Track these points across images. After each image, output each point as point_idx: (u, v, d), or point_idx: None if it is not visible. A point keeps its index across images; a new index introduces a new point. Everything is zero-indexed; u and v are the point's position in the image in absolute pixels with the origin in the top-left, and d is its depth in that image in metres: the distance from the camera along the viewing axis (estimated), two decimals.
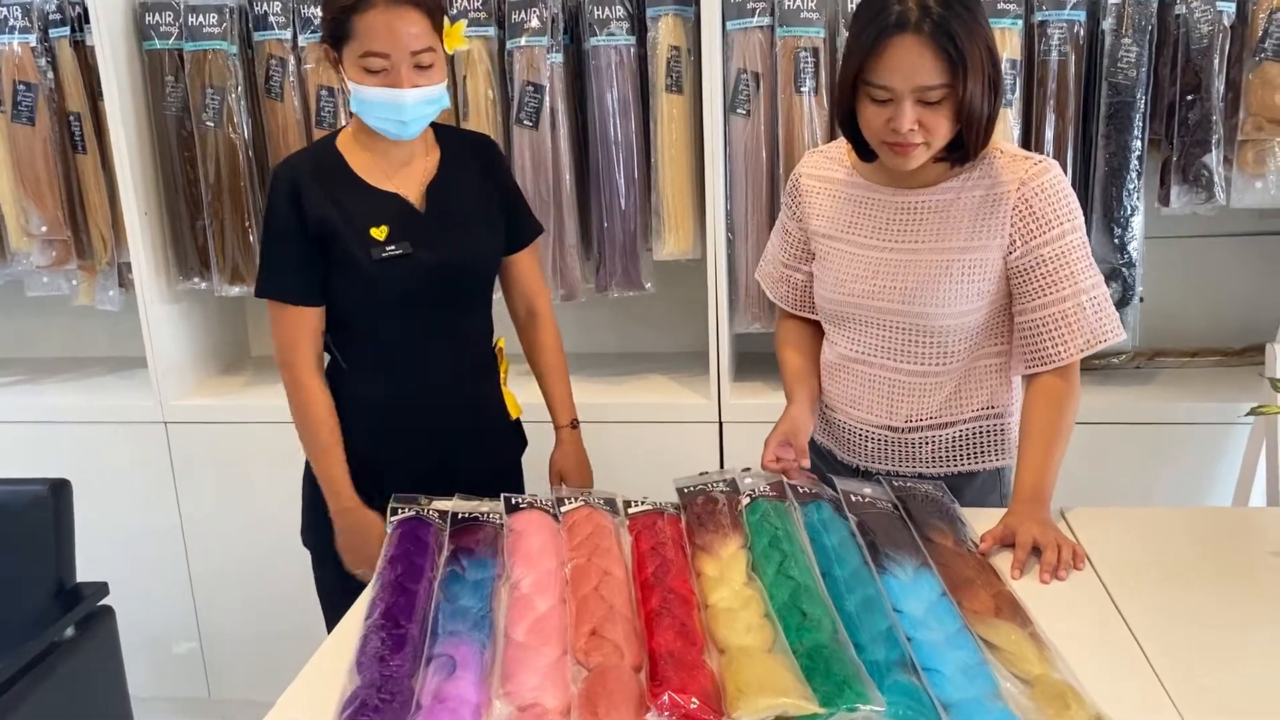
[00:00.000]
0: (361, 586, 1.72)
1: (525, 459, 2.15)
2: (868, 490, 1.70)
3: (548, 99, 2.45)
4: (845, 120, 1.65)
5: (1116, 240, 2.32)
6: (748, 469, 1.80)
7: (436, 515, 1.67)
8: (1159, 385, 2.52)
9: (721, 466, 1.84)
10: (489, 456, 2.04)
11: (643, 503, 1.70)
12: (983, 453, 1.78)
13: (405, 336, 1.91)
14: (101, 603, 2.14)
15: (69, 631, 2.05)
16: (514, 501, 1.71)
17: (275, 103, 2.57)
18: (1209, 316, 2.66)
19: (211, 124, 2.59)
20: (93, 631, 2.09)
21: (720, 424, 2.53)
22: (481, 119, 2.50)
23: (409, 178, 1.89)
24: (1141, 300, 2.38)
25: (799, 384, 1.84)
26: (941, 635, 1.30)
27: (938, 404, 1.74)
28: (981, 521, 1.61)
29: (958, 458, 1.78)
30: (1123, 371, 2.57)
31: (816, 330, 1.91)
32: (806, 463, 1.74)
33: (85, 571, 2.19)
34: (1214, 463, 2.40)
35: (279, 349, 1.89)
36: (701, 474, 1.79)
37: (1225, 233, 2.59)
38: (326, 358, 1.96)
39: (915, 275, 1.68)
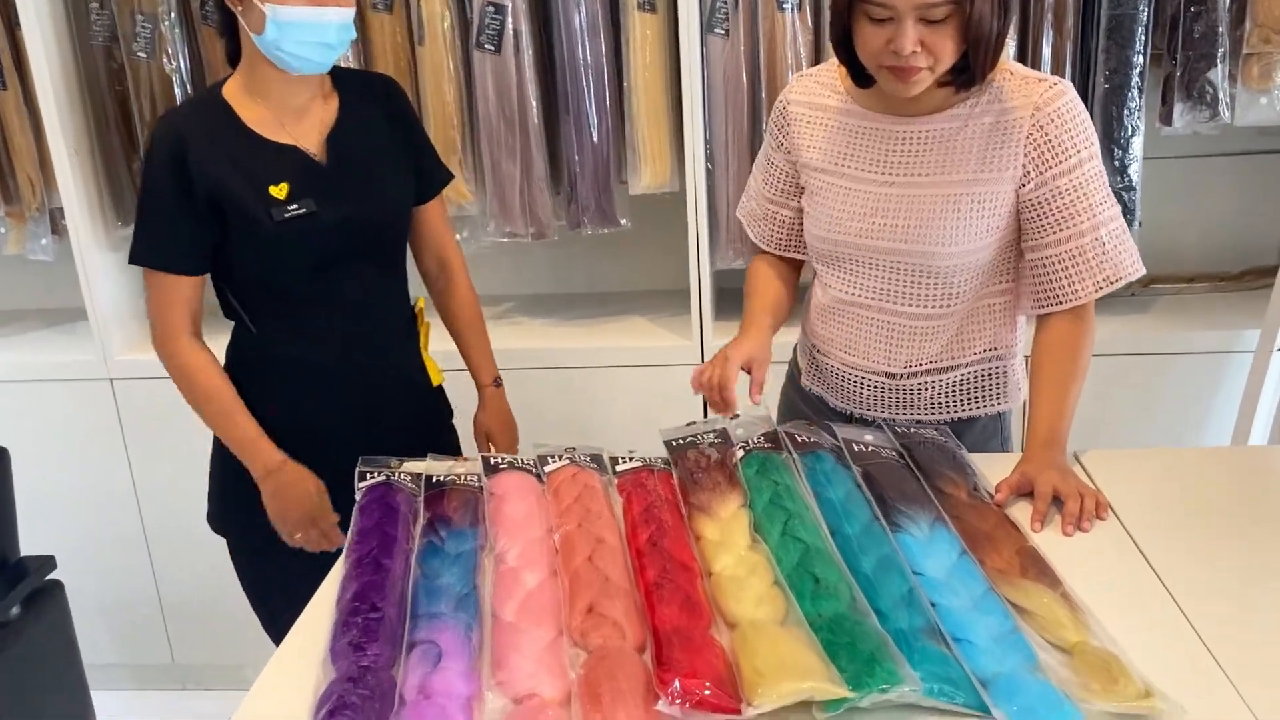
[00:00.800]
0: (294, 571, 1.63)
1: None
2: (869, 437, 1.59)
3: (510, 20, 2.27)
4: (840, 42, 1.50)
5: (1116, 163, 2.20)
6: (736, 415, 1.68)
7: (409, 480, 1.54)
8: (1156, 314, 2.44)
9: (706, 414, 1.74)
10: (414, 422, 1.90)
11: (630, 458, 1.58)
12: (984, 397, 1.68)
13: (316, 298, 1.76)
14: (50, 577, 2.00)
15: (14, 611, 1.91)
16: (493, 462, 1.59)
17: (213, 31, 2.36)
18: (1206, 240, 2.57)
19: (144, 55, 2.38)
20: (40, 609, 1.96)
21: None
22: (439, 45, 2.32)
23: (307, 127, 1.72)
24: (1140, 225, 2.28)
25: (767, 315, 1.69)
26: (968, 599, 1.20)
27: (938, 348, 1.63)
28: (992, 469, 1.52)
29: (958, 403, 1.67)
30: (1117, 300, 2.47)
31: (794, 271, 1.79)
32: (759, 399, 1.59)
33: (31, 543, 2.05)
34: (1213, 394, 2.33)
35: (156, 320, 1.73)
36: (689, 424, 1.67)
37: (1222, 152, 2.48)
38: (231, 324, 1.82)
39: (918, 212, 1.55)
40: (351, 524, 1.45)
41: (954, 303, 1.60)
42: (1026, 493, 1.45)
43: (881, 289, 1.61)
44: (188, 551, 2.68)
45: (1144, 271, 1.55)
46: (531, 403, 2.12)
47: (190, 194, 1.65)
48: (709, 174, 2.32)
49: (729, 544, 1.33)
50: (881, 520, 1.36)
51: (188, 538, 2.68)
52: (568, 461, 1.56)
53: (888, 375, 1.66)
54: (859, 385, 1.70)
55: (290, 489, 1.73)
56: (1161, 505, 1.45)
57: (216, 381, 1.73)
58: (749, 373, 1.58)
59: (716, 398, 1.54)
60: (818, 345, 1.74)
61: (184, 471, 2.65)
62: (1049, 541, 1.35)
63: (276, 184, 1.67)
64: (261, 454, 1.73)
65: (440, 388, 1.96)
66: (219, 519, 1.90)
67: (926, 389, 1.66)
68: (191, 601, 2.75)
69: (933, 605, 1.19)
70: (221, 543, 2.59)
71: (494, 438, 1.97)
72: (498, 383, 1.99)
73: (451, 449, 1.97)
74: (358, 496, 1.52)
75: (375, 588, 1.27)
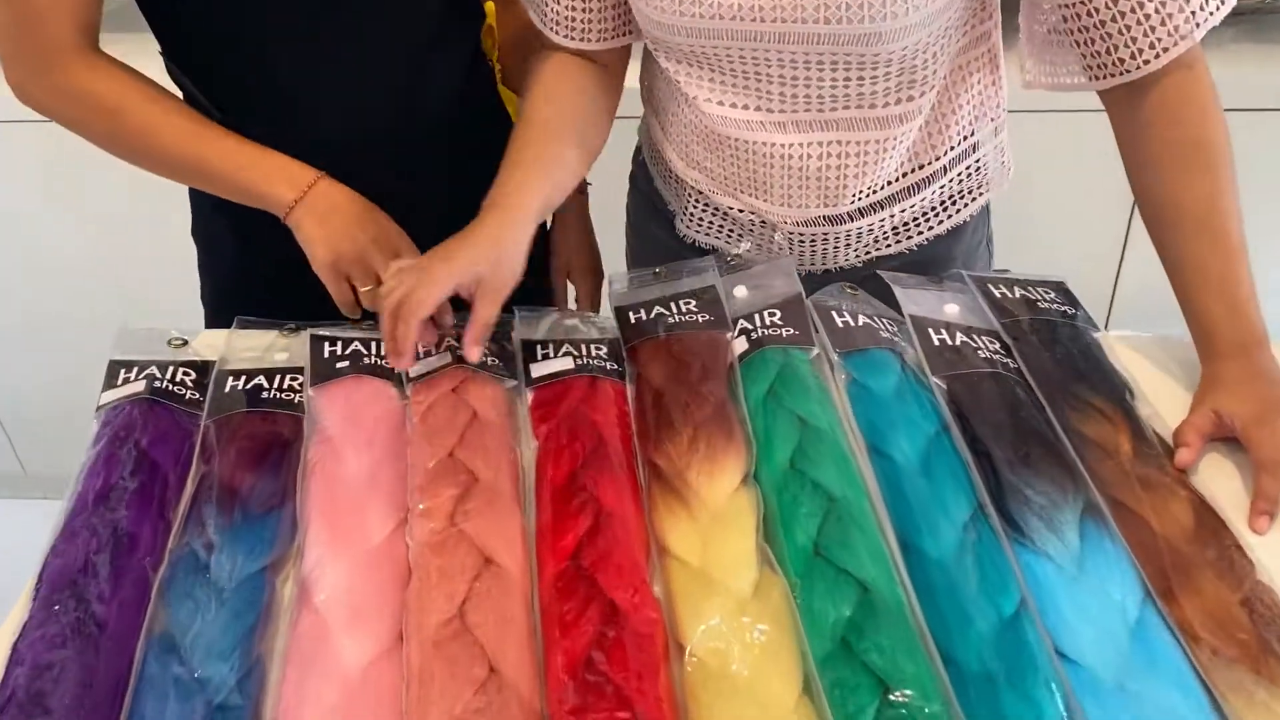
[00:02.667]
0: None
1: None
2: (951, 309, 0.97)
3: None
4: None
5: None
6: (737, 257, 1.04)
7: (188, 381, 0.92)
8: None
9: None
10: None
11: (558, 351, 0.95)
12: (961, 199, 1.04)
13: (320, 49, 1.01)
14: None
15: None
16: (328, 346, 0.95)
17: None
18: None
19: None
20: None
21: None
22: None
23: None
24: None
25: (538, 182, 0.93)
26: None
27: (897, 162, 0.98)
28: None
29: (928, 225, 1.04)
30: (1243, 24, 1.74)
31: (611, 83, 1.04)
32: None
33: None
34: None
35: (14, 38, 0.94)
36: (655, 272, 1.03)
37: None
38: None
39: None
40: (79, 471, 0.84)
41: (920, 93, 0.92)
42: (1217, 437, 0.85)
43: (802, 96, 0.92)
44: (22, 353, 2.09)
45: None
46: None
47: None
48: None
49: (718, 574, 0.73)
50: (992, 517, 0.77)
51: (23, 336, 2.10)
52: (450, 356, 0.93)
53: (827, 220, 1.01)
54: (780, 239, 1.05)
55: (339, 203, 0.97)
56: None
57: (150, 92, 0.97)
58: (467, 304, 0.88)
59: (390, 338, 0.86)
60: (697, 185, 1.06)
61: (9, 251, 2.01)
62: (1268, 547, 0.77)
63: None
64: (277, 179, 0.97)
65: None
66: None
67: (886, 221, 1.02)
68: (35, 408, 2.19)
69: None
70: (65, 346, 2.00)
71: (576, 272, 1.27)
72: (582, 188, 1.25)
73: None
74: (95, 421, 0.90)
75: (52, 669, 0.68)
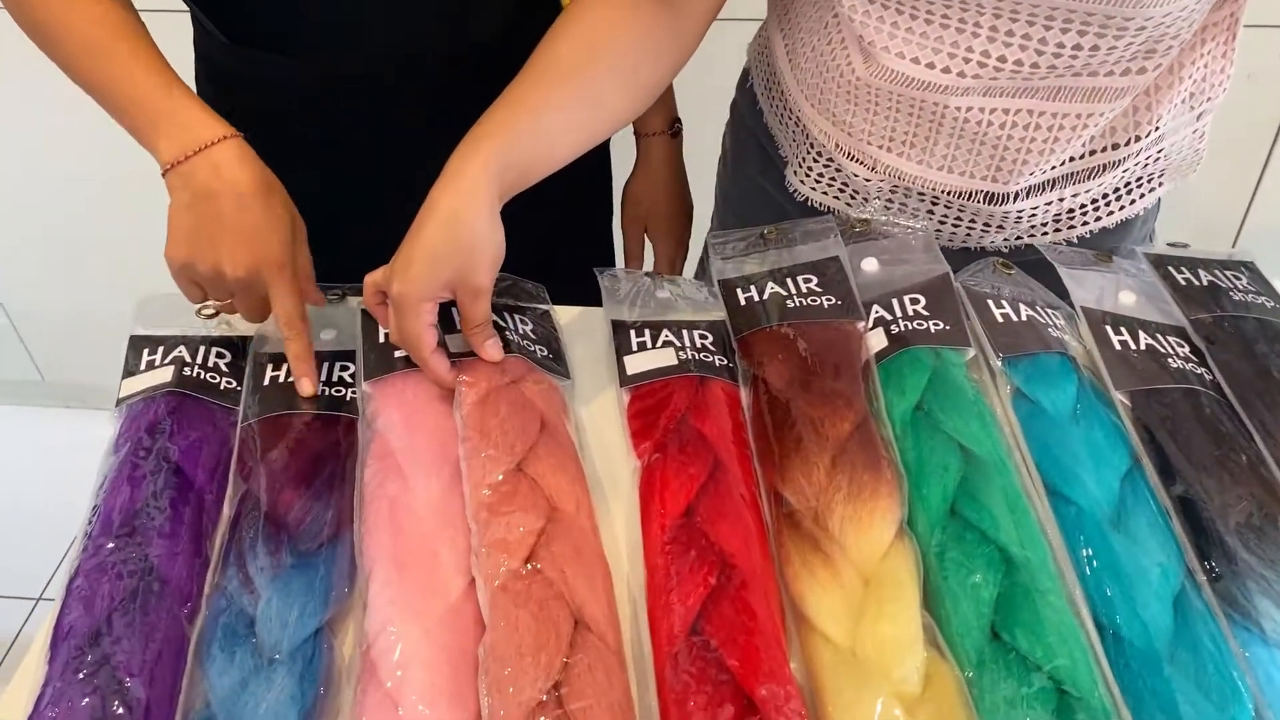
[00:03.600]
0: None
1: None
2: (1128, 299, 0.81)
3: None
4: None
5: None
6: (863, 222, 0.88)
7: (223, 369, 0.77)
8: None
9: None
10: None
11: (656, 339, 0.80)
12: (1143, 184, 0.86)
13: None
14: None
15: None
16: (383, 329, 0.80)
17: None
18: None
19: None
20: None
21: None
22: None
23: None
24: None
25: (512, 123, 0.73)
26: None
27: (1090, 138, 0.79)
28: None
29: (1096, 214, 0.86)
30: None
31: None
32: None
33: None
34: None
35: None
36: (763, 234, 0.87)
37: None
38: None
39: None
40: (90, 504, 0.71)
41: (1152, 66, 0.74)
42: None
43: (1005, 64, 0.73)
44: (36, 256, 1.95)
45: None
46: None
47: None
48: None
49: (875, 658, 0.60)
50: (1204, 588, 0.63)
51: (38, 239, 1.95)
52: (516, 345, 0.78)
53: (983, 197, 0.83)
54: (919, 209, 0.87)
55: (213, 201, 0.75)
56: None
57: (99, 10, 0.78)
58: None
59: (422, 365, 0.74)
60: (826, 139, 0.87)
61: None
62: None
63: None
64: (165, 121, 0.75)
65: None
66: None
67: (1049, 207, 0.84)
68: (47, 315, 2.06)
69: None
70: (84, 251, 1.85)
71: (655, 221, 1.10)
72: (676, 128, 1.07)
73: (598, 236, 1.13)
74: (115, 418, 0.77)
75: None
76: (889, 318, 0.78)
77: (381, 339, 0.80)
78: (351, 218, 0.92)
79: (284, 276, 0.76)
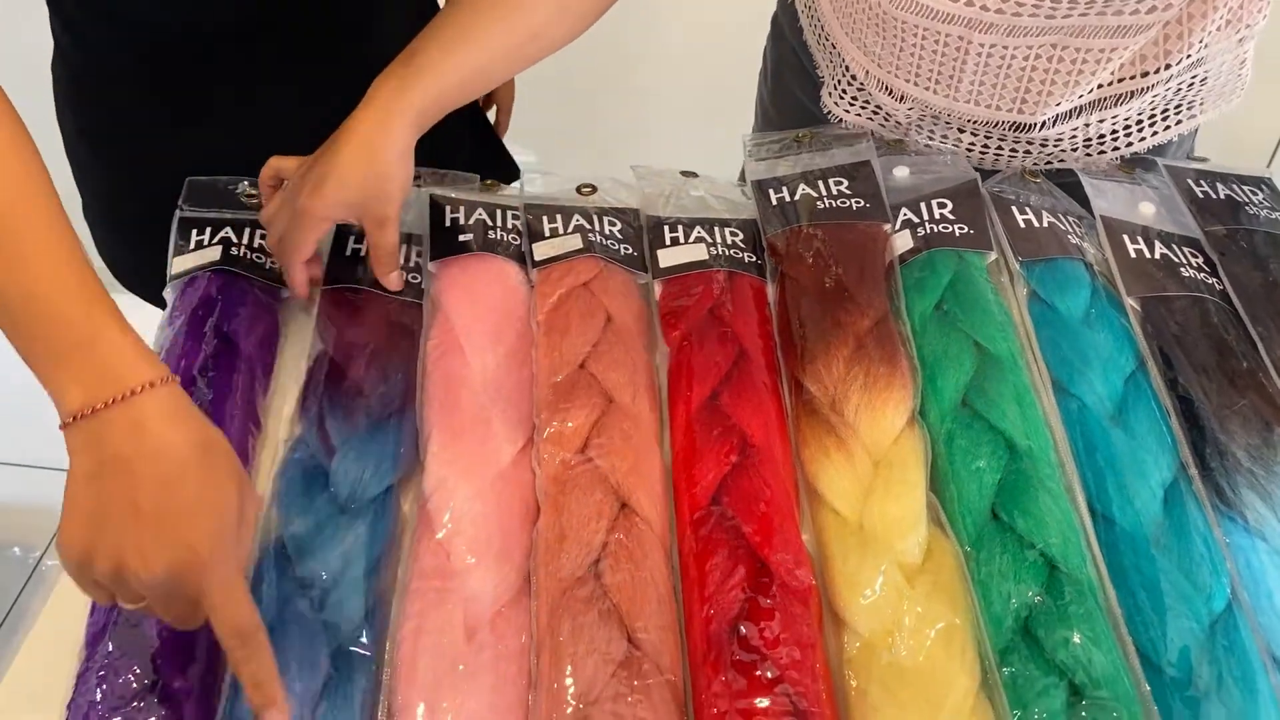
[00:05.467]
0: None
1: None
2: (1148, 209, 0.83)
3: None
4: None
5: None
6: (898, 142, 0.90)
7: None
8: None
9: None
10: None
11: (689, 235, 0.83)
12: (1180, 110, 0.86)
13: None
14: None
15: None
16: (449, 213, 0.84)
17: None
18: None
19: None
20: None
21: None
22: None
23: None
24: None
25: (441, 56, 0.74)
26: None
27: (1118, 66, 0.79)
28: None
29: (1128, 139, 0.86)
30: None
31: None
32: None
33: None
34: None
35: None
36: (797, 137, 0.89)
37: None
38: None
39: None
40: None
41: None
42: None
43: (1025, 4, 0.74)
44: None
45: None
46: None
47: None
48: None
49: (880, 531, 0.64)
50: (1196, 481, 0.67)
51: None
52: (579, 242, 0.82)
53: (1010, 127, 0.84)
54: (949, 135, 0.88)
55: (121, 474, 0.53)
56: None
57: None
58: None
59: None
60: (868, 69, 0.87)
61: None
62: None
63: None
64: (74, 358, 0.54)
65: None
66: None
67: (1075, 134, 0.85)
68: None
69: None
70: None
71: (501, 105, 1.16)
72: None
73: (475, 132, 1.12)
74: (169, 295, 0.81)
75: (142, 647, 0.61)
76: (915, 220, 0.81)
77: (447, 224, 0.83)
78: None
79: (218, 578, 0.53)
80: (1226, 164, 0.89)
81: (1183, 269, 0.78)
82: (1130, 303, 0.76)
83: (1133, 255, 0.78)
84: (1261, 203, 0.84)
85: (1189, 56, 0.79)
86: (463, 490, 0.68)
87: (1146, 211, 0.83)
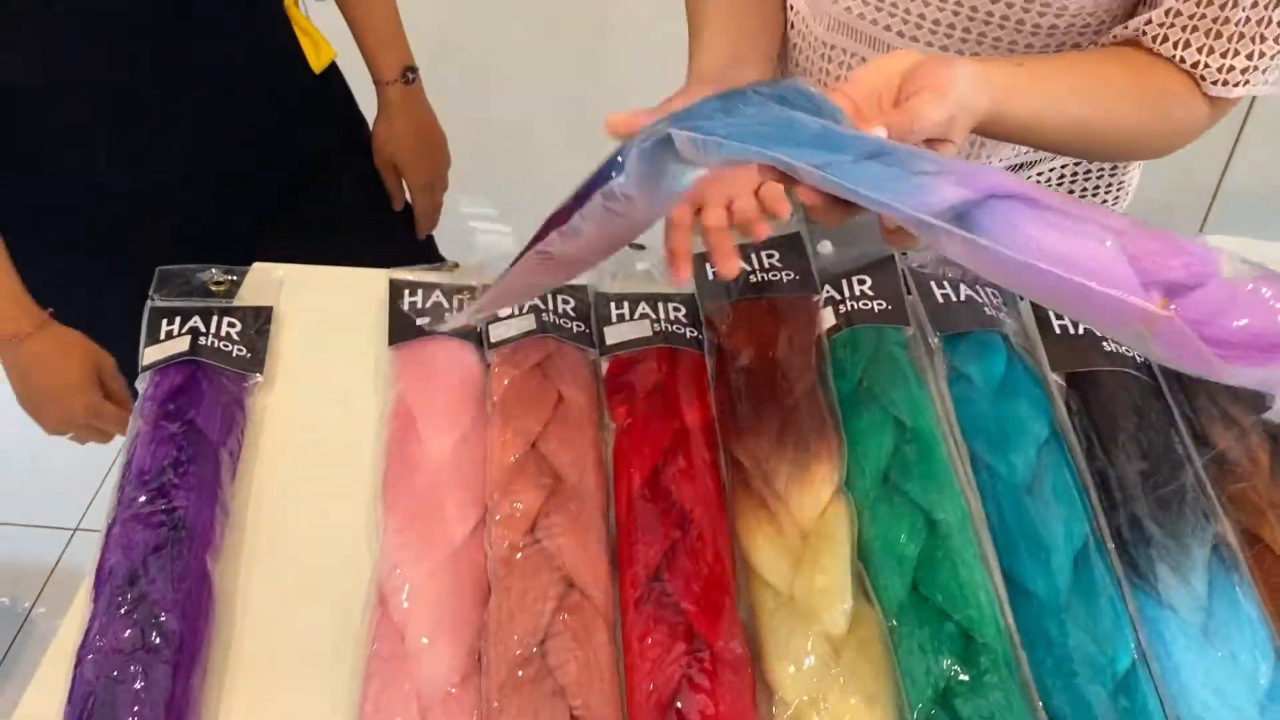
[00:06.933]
0: None
1: None
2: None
3: None
4: None
5: None
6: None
7: (230, 336, 0.86)
8: None
9: None
10: (290, 155, 1.13)
11: (634, 311, 0.88)
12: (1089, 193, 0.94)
13: None
14: None
15: None
16: (407, 296, 0.89)
17: None
18: None
19: None
20: None
21: None
22: None
23: None
24: None
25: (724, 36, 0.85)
26: None
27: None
28: None
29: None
30: None
31: None
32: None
33: None
34: None
35: None
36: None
37: None
38: None
39: None
40: (121, 461, 0.80)
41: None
42: None
43: (934, 23, 0.80)
44: None
45: None
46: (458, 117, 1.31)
47: None
48: None
49: (809, 603, 0.68)
50: (1109, 549, 0.71)
51: None
52: (532, 323, 0.86)
53: None
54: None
55: (49, 366, 1.01)
56: None
57: None
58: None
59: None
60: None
61: None
62: None
63: None
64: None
65: (331, 76, 1.17)
66: None
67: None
68: None
69: None
70: None
71: (404, 167, 1.21)
72: (409, 76, 1.18)
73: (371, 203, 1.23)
74: (140, 386, 0.85)
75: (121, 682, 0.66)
76: (838, 298, 0.85)
77: (405, 308, 0.88)
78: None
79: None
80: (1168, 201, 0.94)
81: (1106, 343, 0.82)
82: (1055, 378, 0.80)
83: (1058, 331, 0.83)
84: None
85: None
86: (417, 572, 0.72)
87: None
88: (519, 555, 0.72)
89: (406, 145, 1.19)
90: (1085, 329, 0.83)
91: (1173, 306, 0.47)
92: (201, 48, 1.00)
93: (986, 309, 0.84)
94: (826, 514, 0.73)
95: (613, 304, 0.88)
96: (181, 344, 0.86)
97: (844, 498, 0.74)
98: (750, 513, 0.74)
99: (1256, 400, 0.79)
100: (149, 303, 0.89)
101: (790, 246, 0.90)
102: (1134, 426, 0.76)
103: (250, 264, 0.94)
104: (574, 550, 0.72)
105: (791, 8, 0.90)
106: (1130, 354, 0.82)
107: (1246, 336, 0.46)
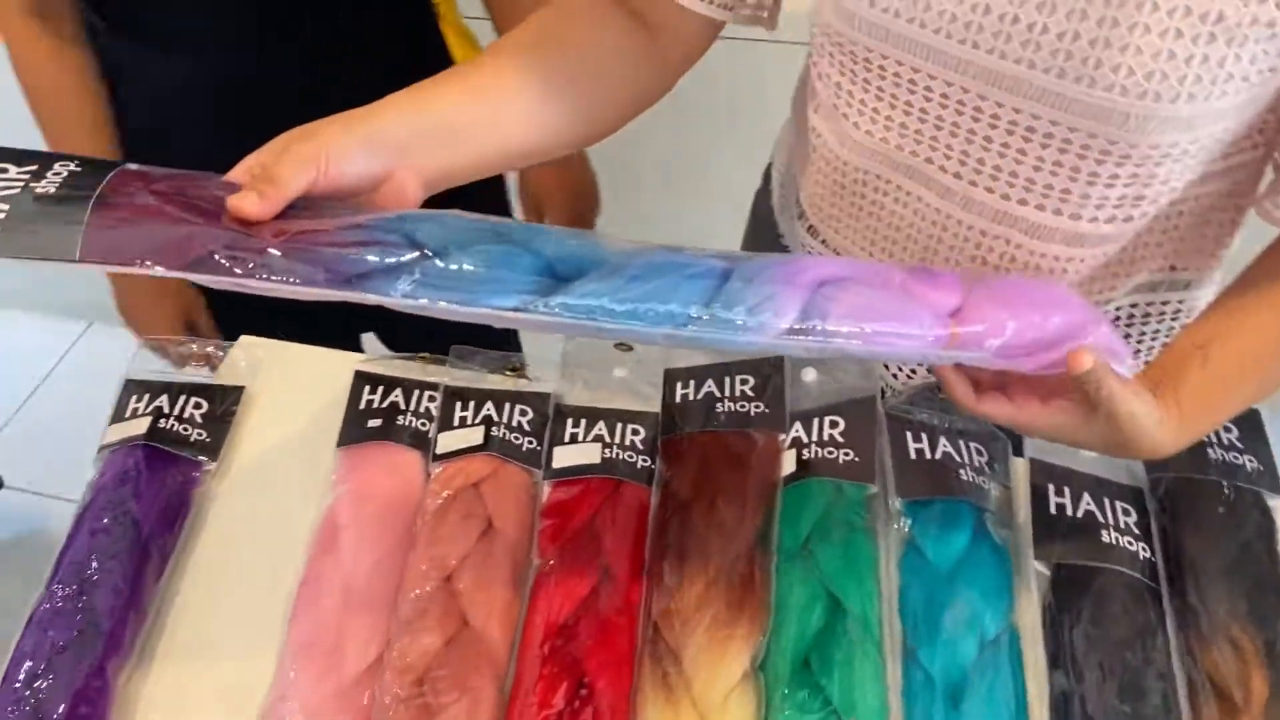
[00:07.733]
0: None
1: None
2: (1087, 453, 0.77)
3: None
4: None
5: None
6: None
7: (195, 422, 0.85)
8: None
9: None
10: None
11: (589, 431, 0.83)
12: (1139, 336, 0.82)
13: None
14: None
15: None
16: (367, 393, 0.87)
17: None
18: None
19: None
20: None
21: None
22: None
23: None
24: None
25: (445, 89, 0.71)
26: None
27: (1075, 279, 0.74)
28: None
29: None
30: None
31: (641, 43, 0.76)
32: None
33: None
34: None
35: None
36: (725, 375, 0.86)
37: None
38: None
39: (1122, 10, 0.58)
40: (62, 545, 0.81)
41: (1138, 216, 0.69)
42: None
43: (984, 170, 0.69)
44: None
45: None
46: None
47: None
48: None
49: None
50: None
51: None
52: (479, 437, 0.82)
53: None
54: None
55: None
56: None
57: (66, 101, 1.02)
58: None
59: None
60: (819, 231, 0.85)
61: None
62: None
63: None
64: None
65: None
66: None
67: None
68: None
69: None
70: None
71: (549, 203, 1.12)
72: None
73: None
74: (97, 465, 0.86)
75: None
76: (805, 440, 0.78)
77: (361, 406, 0.85)
78: None
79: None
80: None
81: (1105, 532, 0.72)
82: (1038, 566, 0.71)
83: (1053, 510, 0.73)
84: (1233, 442, 0.77)
85: (1141, 280, 0.77)
86: (301, 703, 0.69)
87: (1087, 454, 0.76)
88: (401, 707, 0.68)
89: (552, 184, 1.12)
90: (1086, 509, 0.73)
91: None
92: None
93: (963, 472, 0.75)
94: (731, 699, 0.66)
95: (569, 420, 0.84)
96: (141, 425, 0.86)
97: (755, 681, 0.67)
98: (651, 685, 0.68)
99: (1265, 618, 0.68)
100: (124, 375, 0.90)
101: (766, 372, 0.83)
102: (1110, 643, 0.66)
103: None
104: (457, 709, 0.68)
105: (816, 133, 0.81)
106: (1131, 545, 0.71)
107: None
